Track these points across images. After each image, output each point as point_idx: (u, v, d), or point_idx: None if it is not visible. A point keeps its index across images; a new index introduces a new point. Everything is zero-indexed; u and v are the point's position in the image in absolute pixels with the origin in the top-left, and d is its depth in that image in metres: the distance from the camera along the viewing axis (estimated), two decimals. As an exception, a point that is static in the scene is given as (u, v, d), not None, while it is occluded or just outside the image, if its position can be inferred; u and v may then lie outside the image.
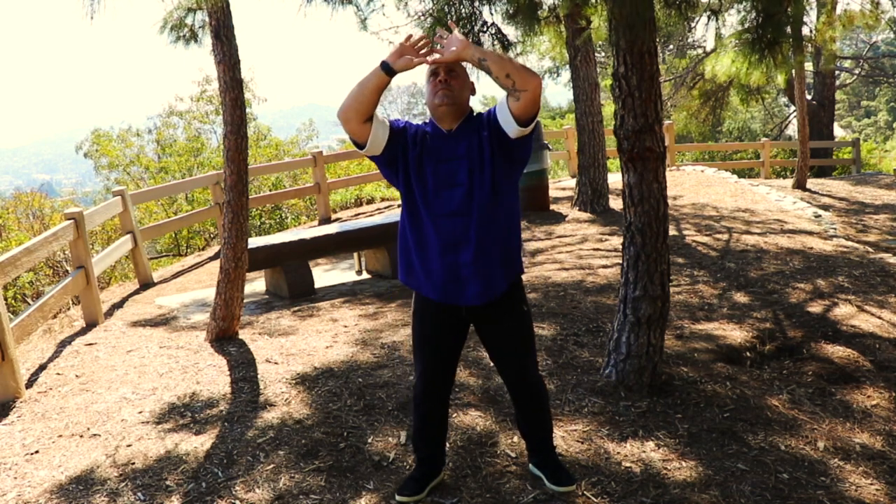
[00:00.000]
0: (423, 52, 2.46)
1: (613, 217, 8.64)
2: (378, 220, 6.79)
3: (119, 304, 6.38)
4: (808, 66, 15.94)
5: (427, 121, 2.64)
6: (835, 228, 8.10)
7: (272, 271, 6.28)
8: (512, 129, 2.46)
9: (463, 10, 5.42)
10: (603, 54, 19.84)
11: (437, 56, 2.45)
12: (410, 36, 2.49)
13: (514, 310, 2.67)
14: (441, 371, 2.73)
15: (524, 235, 7.87)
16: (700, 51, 21.13)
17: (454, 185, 2.51)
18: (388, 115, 2.70)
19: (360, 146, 2.53)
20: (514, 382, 2.76)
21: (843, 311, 4.99)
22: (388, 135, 2.54)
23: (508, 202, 2.57)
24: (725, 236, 7.51)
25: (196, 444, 3.32)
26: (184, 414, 3.67)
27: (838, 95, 29.60)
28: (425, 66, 2.50)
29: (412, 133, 2.58)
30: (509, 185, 2.57)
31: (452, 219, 2.51)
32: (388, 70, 2.43)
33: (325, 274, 6.98)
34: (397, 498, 2.76)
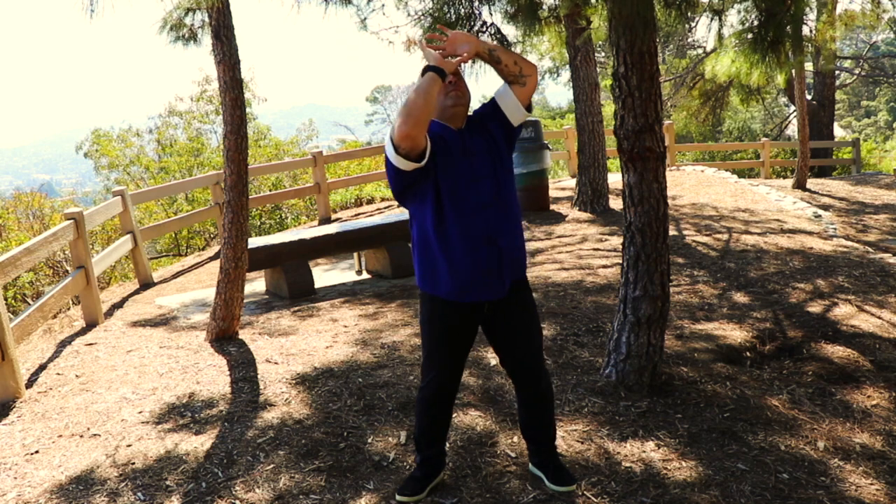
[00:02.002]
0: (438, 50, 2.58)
1: (613, 217, 8.65)
2: (378, 220, 6.79)
3: (119, 304, 6.38)
4: (808, 66, 15.94)
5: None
6: (834, 228, 8.10)
7: (272, 271, 6.28)
8: (519, 115, 2.65)
9: (462, 10, 5.42)
10: (603, 54, 19.84)
11: (465, 54, 2.55)
12: (426, 40, 2.61)
13: (528, 300, 2.74)
14: (456, 374, 2.75)
15: (524, 235, 7.88)
16: (700, 51, 21.14)
17: (480, 179, 2.58)
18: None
19: (419, 158, 2.45)
20: (527, 377, 2.75)
21: (843, 311, 4.99)
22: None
23: (516, 193, 2.74)
24: (725, 236, 7.51)
25: (196, 444, 3.32)
26: (184, 414, 3.67)
27: (838, 95, 29.62)
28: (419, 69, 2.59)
29: (432, 136, 2.59)
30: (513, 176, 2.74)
31: (485, 211, 2.57)
32: (443, 75, 2.48)
33: (325, 274, 6.98)
34: (398, 498, 2.76)
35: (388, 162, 2.51)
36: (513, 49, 6.21)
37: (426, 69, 2.46)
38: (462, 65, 2.59)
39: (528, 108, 2.67)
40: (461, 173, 2.55)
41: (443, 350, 2.70)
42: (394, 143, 2.42)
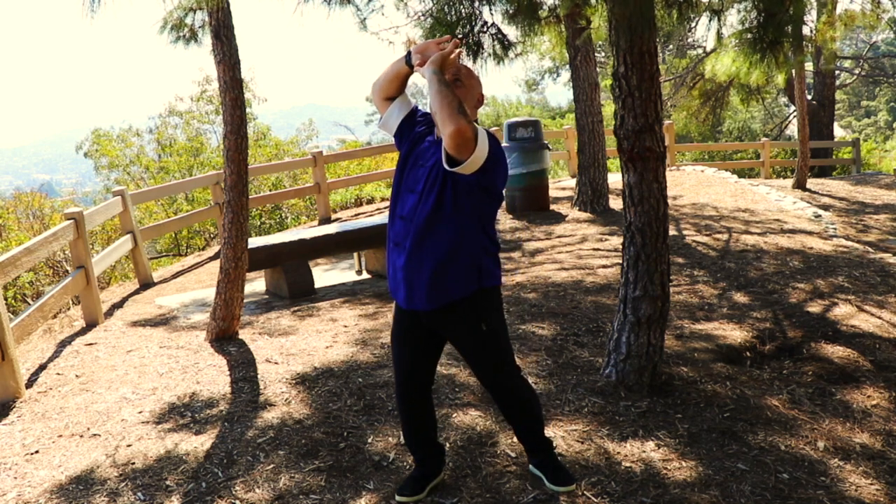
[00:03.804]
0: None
1: (613, 217, 8.64)
2: (378, 220, 6.79)
3: (119, 304, 6.38)
4: (808, 66, 15.94)
5: None
6: (835, 228, 8.10)
7: (272, 271, 6.28)
8: (445, 162, 2.44)
9: (463, 10, 5.42)
10: (603, 54, 19.84)
11: (424, 62, 2.53)
12: (449, 38, 2.57)
13: (469, 328, 2.60)
14: (412, 370, 2.72)
15: (523, 235, 7.88)
16: (700, 51, 21.14)
17: (409, 190, 2.57)
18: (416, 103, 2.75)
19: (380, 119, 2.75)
20: (491, 391, 2.78)
21: (843, 311, 4.99)
22: (403, 120, 2.67)
23: (457, 221, 2.50)
24: (725, 236, 7.51)
25: (196, 444, 3.32)
26: (184, 414, 3.67)
27: (838, 95, 29.60)
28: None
29: (418, 131, 2.63)
30: (461, 205, 2.49)
31: (402, 222, 2.57)
32: (408, 62, 2.55)
33: (325, 274, 6.98)
34: (397, 498, 2.76)
35: None
36: (513, 49, 6.19)
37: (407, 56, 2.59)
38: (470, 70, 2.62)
39: (451, 164, 2.41)
40: (406, 179, 2.59)
41: (395, 342, 2.75)
42: None
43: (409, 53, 2.55)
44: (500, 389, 2.73)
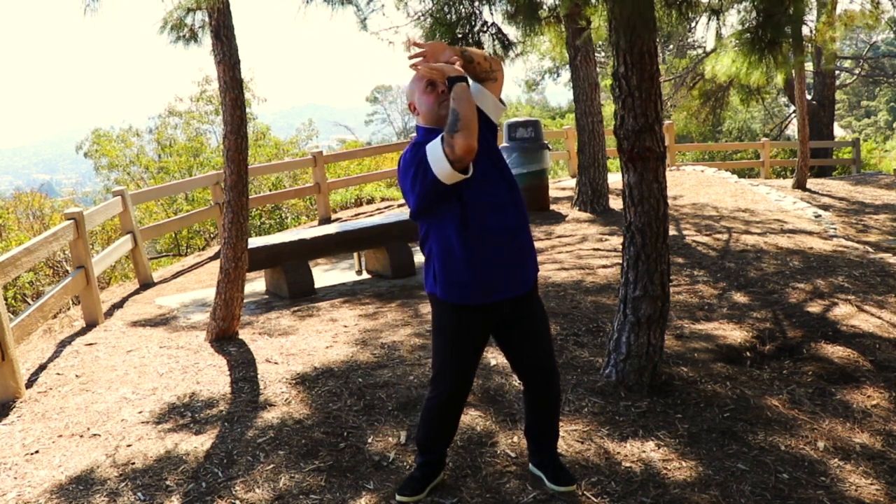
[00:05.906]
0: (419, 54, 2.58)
1: (613, 217, 8.65)
2: (378, 220, 6.79)
3: (119, 304, 6.38)
4: (808, 66, 15.95)
5: (417, 133, 2.63)
6: (835, 228, 8.10)
7: (272, 271, 6.28)
8: (499, 111, 2.66)
9: (463, 10, 5.42)
10: (603, 54, 19.86)
11: (454, 58, 2.54)
12: (416, 48, 2.57)
13: (539, 301, 2.78)
14: (471, 380, 2.76)
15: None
16: (700, 51, 21.16)
17: (497, 181, 2.60)
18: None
19: (468, 169, 2.47)
20: (540, 379, 2.74)
21: (843, 311, 4.99)
22: None
23: None
24: (725, 236, 7.51)
25: (196, 444, 3.32)
26: (184, 414, 3.67)
27: (838, 95, 29.62)
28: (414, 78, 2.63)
29: None
30: None
31: (504, 211, 2.59)
32: (466, 80, 2.49)
33: (325, 274, 6.98)
34: (397, 498, 2.76)
35: (420, 184, 2.48)
36: (513, 49, 6.20)
37: (453, 80, 2.44)
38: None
39: (503, 104, 2.72)
40: (476, 178, 2.53)
41: (462, 360, 2.68)
42: (452, 160, 2.39)
43: (461, 77, 2.46)
44: (555, 375, 2.77)
